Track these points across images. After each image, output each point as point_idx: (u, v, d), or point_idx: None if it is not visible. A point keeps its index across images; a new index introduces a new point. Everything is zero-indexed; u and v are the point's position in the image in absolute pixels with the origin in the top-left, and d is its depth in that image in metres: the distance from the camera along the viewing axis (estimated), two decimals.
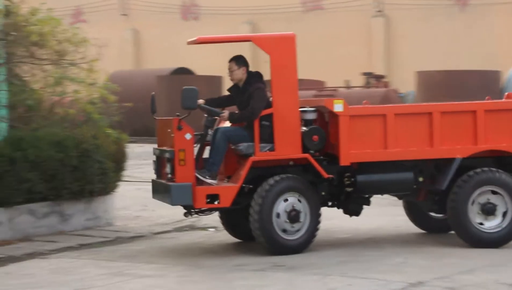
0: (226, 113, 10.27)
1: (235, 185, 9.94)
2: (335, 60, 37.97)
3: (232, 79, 10.48)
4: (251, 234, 10.18)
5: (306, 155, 10.16)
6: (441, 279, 8.65)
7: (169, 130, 9.99)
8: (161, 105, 27.42)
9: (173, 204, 9.96)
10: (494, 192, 10.43)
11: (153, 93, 10.91)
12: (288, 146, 10.16)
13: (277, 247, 9.95)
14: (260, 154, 10.07)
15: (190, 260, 10.00)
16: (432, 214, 11.34)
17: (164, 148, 10.23)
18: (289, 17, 38.95)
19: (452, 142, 10.50)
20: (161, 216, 12.96)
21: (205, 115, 10.38)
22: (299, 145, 10.18)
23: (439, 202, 10.71)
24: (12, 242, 11.23)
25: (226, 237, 11.18)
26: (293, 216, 9.98)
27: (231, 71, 10.43)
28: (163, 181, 10.14)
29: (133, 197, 14.63)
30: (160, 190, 10.30)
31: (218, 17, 39.50)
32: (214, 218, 12.22)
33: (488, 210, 10.42)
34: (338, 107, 10.23)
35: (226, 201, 9.89)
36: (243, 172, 9.92)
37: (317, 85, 28.26)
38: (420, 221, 11.55)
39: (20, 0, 12.61)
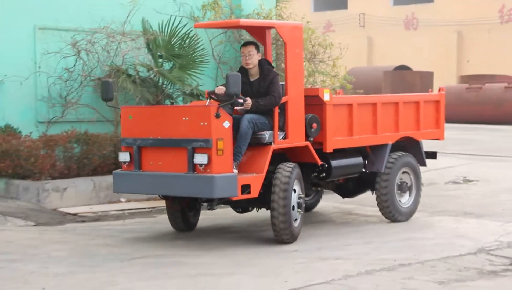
0: (249, 100, 7.40)
1: (261, 175, 7.22)
2: None
3: (247, 64, 7.66)
4: (192, 225, 8.18)
5: (307, 143, 7.81)
6: None
7: (185, 118, 7.09)
8: (386, 94, 27.44)
9: (214, 197, 7.03)
10: (403, 172, 8.87)
11: (109, 80, 7.92)
12: (297, 134, 7.74)
13: (292, 237, 7.43)
14: (278, 142, 7.52)
15: None
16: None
17: (173, 137, 7.18)
18: (490, 28, 37.19)
19: (386, 129, 8.73)
20: None
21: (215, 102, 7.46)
22: (303, 133, 7.81)
23: (355, 184, 8.97)
24: None
25: (430, 190, 11.03)
26: (300, 204, 7.57)
27: (250, 55, 7.65)
28: (184, 173, 7.03)
29: None
30: (173, 182, 7.15)
31: (432, 28, 38.45)
32: (423, 176, 12.06)
33: (403, 188, 8.87)
34: (326, 96, 8.11)
35: (255, 191, 7.20)
36: (266, 161, 7.28)
37: (507, 79, 26.87)
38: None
39: (287, 16, 13.01)
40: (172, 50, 10.96)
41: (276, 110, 7.53)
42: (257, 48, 7.74)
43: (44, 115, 10.48)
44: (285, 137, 7.64)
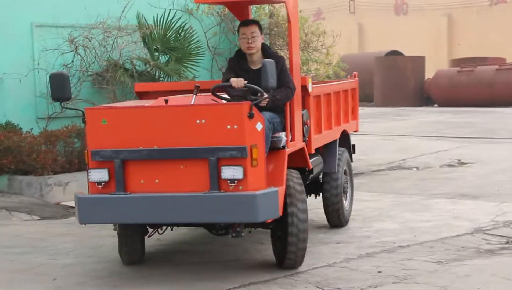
0: (266, 95, 5.55)
1: (283, 188, 5.57)
2: None
3: (249, 48, 6.01)
4: (143, 253, 6.41)
5: (304, 144, 6.29)
6: None
7: (201, 120, 5.30)
8: (378, 79, 27.62)
9: (258, 221, 5.35)
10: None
11: (64, 72, 5.77)
12: (299, 134, 6.17)
13: (303, 257, 6.05)
14: (289, 145, 5.91)
15: (398, 189, 10.02)
16: None
17: (182, 146, 5.34)
18: (479, 10, 37.38)
19: (334, 123, 7.45)
20: (376, 159, 12.98)
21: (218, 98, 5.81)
22: (302, 133, 6.28)
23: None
24: None
25: (426, 174, 11.21)
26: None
27: (253, 36, 6.00)
28: (206, 193, 5.29)
29: (356, 145, 14.31)
30: (189, 205, 5.30)
31: (422, 12, 38.64)
32: (419, 160, 12.26)
33: (345, 189, 7.66)
34: (310, 86, 6.54)
35: (280, 208, 5.51)
36: (284, 170, 5.65)
37: (498, 61, 27.09)
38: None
39: (280, 5, 13.14)
40: (167, 43, 11.11)
41: (288, 106, 6.01)
42: (261, 29, 6.14)
43: (44, 111, 10.62)
44: (291, 139, 6.04)
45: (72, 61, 10.57)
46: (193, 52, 11.27)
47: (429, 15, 38.48)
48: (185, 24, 11.27)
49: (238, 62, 6.16)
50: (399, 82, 26.92)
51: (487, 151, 13.50)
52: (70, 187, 9.73)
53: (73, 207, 9.31)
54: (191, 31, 11.31)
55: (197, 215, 5.35)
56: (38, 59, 10.48)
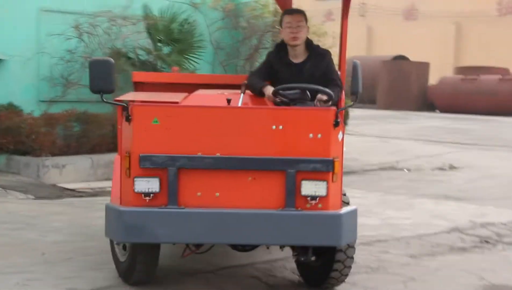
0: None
1: (355, 209, 4.86)
2: None
3: (294, 39, 5.20)
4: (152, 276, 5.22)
5: None
6: None
7: (278, 126, 4.51)
8: (383, 84, 27.78)
9: (342, 244, 4.70)
10: None
11: (109, 58, 4.79)
12: None
13: None
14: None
15: (386, 188, 10.21)
16: None
17: (252, 155, 4.49)
18: (488, 20, 37.50)
19: None
20: (371, 159, 13.10)
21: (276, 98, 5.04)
22: None
23: None
24: None
25: (417, 175, 11.39)
26: None
27: (298, 26, 5.22)
28: (282, 210, 4.49)
29: (352, 146, 14.18)
30: (261, 224, 4.48)
31: (431, 19, 38.77)
32: (412, 162, 12.45)
33: None
34: None
35: None
36: (342, 183, 4.79)
37: (502, 71, 27.27)
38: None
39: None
40: (171, 35, 11.33)
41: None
42: (306, 19, 5.32)
43: (46, 94, 10.85)
44: None
45: (77, 47, 10.80)
46: (195, 45, 11.47)
47: (438, 22, 38.66)
48: (190, 17, 11.49)
49: (278, 55, 5.35)
50: (403, 87, 27.14)
51: (479, 157, 13.70)
52: (66, 170, 9.98)
53: (68, 189, 9.57)
54: (195, 24, 11.53)
55: (268, 236, 4.53)
56: (43, 43, 10.71)
